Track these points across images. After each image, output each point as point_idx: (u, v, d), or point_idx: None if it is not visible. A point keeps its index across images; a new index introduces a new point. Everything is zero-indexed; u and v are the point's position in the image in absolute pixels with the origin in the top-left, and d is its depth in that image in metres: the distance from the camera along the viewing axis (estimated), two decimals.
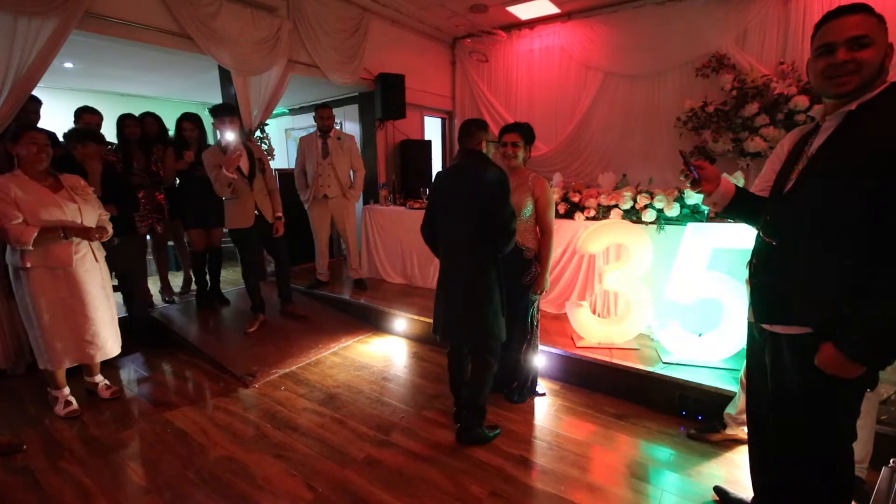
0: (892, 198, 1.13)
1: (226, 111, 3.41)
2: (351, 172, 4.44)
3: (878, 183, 1.14)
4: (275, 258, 3.94)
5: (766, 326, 1.43)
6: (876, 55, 1.19)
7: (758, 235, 1.47)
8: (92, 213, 2.57)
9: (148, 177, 3.84)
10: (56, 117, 4.04)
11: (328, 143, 4.26)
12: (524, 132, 2.57)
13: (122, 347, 2.80)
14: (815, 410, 1.34)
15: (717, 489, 1.94)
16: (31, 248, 2.32)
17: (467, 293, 2.24)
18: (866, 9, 1.21)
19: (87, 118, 3.49)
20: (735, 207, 1.54)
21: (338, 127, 4.54)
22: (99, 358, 2.69)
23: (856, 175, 1.19)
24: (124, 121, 3.76)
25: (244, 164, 3.40)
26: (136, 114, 3.94)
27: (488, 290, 2.22)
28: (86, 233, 2.49)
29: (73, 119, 3.53)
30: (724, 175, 1.60)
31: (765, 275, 1.42)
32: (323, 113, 4.23)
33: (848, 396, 1.32)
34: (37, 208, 2.34)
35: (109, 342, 2.70)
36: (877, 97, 1.21)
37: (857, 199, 1.18)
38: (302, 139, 4.39)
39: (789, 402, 1.41)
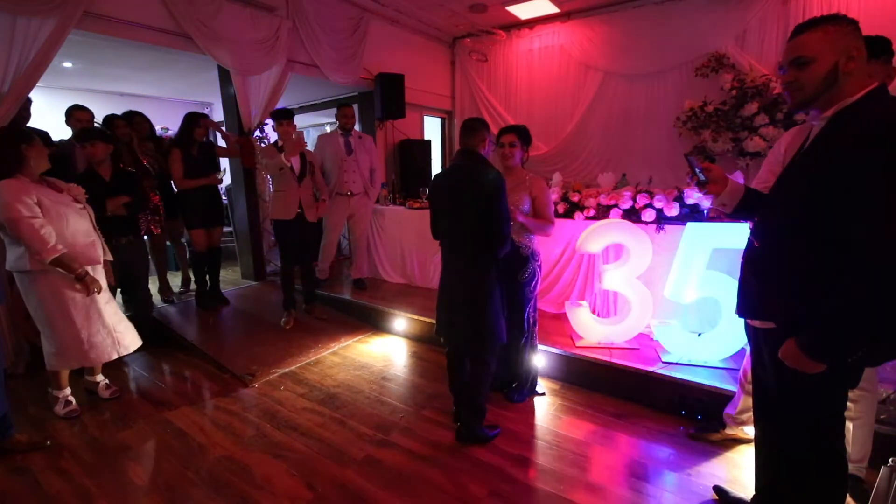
0: (855, 204, 1.15)
1: (286, 115, 3.67)
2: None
3: (843, 190, 1.16)
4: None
5: (748, 321, 1.50)
6: (817, 71, 1.24)
7: (749, 236, 1.50)
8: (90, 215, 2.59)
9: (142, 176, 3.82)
10: (55, 117, 4.04)
11: (351, 141, 4.28)
12: (521, 134, 2.59)
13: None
14: (791, 404, 1.39)
15: (717, 489, 1.94)
16: (46, 264, 2.30)
17: (467, 294, 2.24)
18: (812, 26, 1.26)
19: (79, 115, 3.48)
20: (745, 208, 1.54)
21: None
22: (122, 352, 2.69)
23: (825, 180, 1.21)
24: (113, 121, 3.73)
25: (296, 163, 3.65)
26: (120, 114, 3.92)
27: (488, 290, 2.22)
28: (89, 285, 2.44)
29: (64, 118, 3.52)
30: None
31: (747, 273, 1.47)
32: (346, 111, 4.26)
33: (825, 392, 1.34)
34: (59, 207, 2.36)
35: (128, 336, 2.72)
36: (855, 103, 1.23)
37: (826, 203, 1.21)
38: (321, 137, 4.43)
39: (770, 395, 1.46)
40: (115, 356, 2.66)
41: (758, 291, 1.42)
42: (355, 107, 5.78)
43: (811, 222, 1.25)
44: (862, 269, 1.13)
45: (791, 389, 1.36)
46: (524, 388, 2.74)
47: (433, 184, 2.38)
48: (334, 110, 4.34)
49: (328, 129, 7.50)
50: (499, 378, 2.70)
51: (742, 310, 1.49)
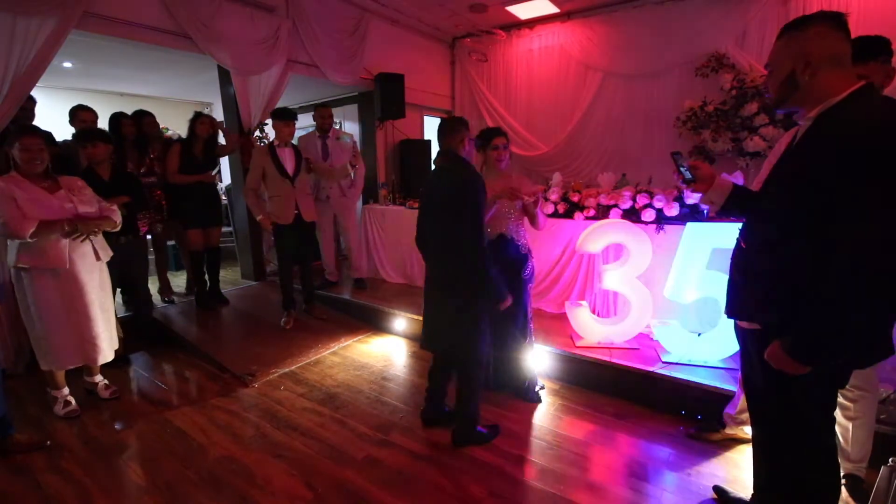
0: (838, 206, 1.13)
1: (289, 115, 3.63)
2: (351, 172, 4.41)
3: (825, 191, 1.15)
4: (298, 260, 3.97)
5: (737, 322, 1.50)
6: (776, 78, 1.32)
7: (737, 237, 1.50)
8: (90, 212, 2.55)
9: (144, 176, 3.82)
10: (55, 117, 4.04)
11: (328, 144, 4.23)
12: (507, 136, 2.60)
13: (124, 347, 2.78)
14: (778, 404, 1.39)
15: (717, 488, 1.94)
16: (29, 240, 2.29)
17: (450, 303, 2.18)
18: (780, 34, 1.33)
19: (83, 116, 3.48)
20: (733, 205, 1.54)
21: (337, 126, 4.53)
22: (101, 361, 2.67)
23: (807, 181, 1.20)
24: (119, 120, 3.73)
25: (290, 164, 3.65)
26: (129, 113, 3.92)
27: (467, 297, 2.15)
28: (87, 225, 2.46)
29: (68, 119, 3.52)
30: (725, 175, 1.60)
31: (735, 273, 1.47)
32: (323, 112, 4.19)
33: (812, 392, 1.33)
34: (34, 207, 2.33)
35: (106, 345, 2.68)
36: (838, 103, 1.21)
37: (808, 205, 1.20)
38: (301, 139, 4.32)
39: (759, 396, 1.47)
40: (80, 364, 2.64)
41: (744, 292, 1.42)
42: (354, 107, 5.85)
43: (795, 224, 1.24)
44: (845, 271, 1.12)
45: (778, 389, 1.36)
46: (534, 385, 2.74)
47: (424, 186, 2.32)
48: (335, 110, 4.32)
49: None
50: (506, 379, 2.72)
51: (730, 310, 1.49)
